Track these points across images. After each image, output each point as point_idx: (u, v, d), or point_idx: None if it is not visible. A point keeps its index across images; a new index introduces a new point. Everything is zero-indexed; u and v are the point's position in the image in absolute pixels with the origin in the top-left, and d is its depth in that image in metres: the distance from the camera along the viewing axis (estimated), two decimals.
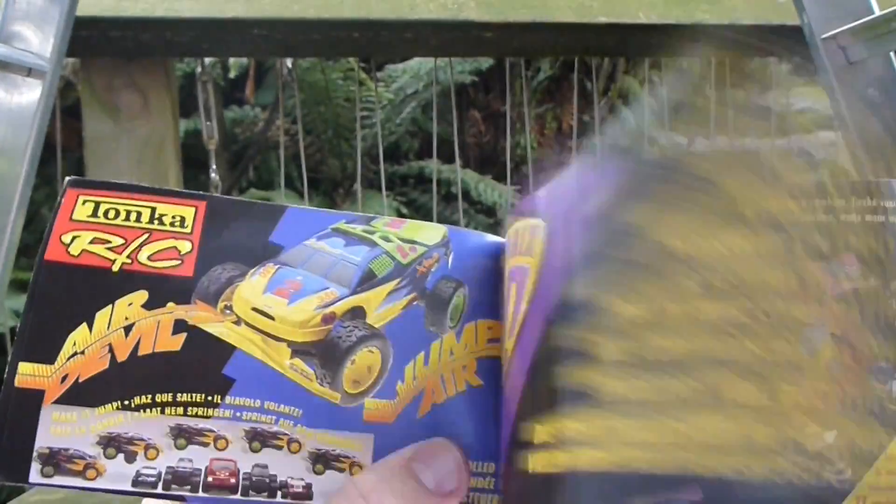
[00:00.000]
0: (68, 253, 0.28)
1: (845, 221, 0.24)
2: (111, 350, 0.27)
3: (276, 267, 0.29)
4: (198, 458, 0.26)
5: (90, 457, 0.25)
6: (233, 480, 0.26)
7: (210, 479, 0.26)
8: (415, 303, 0.29)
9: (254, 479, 0.26)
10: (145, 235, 0.28)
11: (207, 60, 1.30)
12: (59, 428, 0.26)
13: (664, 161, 0.24)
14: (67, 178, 0.29)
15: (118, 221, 0.28)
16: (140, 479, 0.26)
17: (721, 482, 0.21)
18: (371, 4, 1.09)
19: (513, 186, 2.62)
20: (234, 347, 0.27)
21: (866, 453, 0.22)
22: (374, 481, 0.24)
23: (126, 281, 0.27)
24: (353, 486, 0.24)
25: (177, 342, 0.27)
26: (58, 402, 0.26)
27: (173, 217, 0.28)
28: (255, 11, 1.07)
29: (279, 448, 0.26)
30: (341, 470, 0.26)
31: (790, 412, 0.22)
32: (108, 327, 0.27)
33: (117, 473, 0.25)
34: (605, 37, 1.17)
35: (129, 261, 0.28)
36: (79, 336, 0.27)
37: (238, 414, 0.26)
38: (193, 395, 0.26)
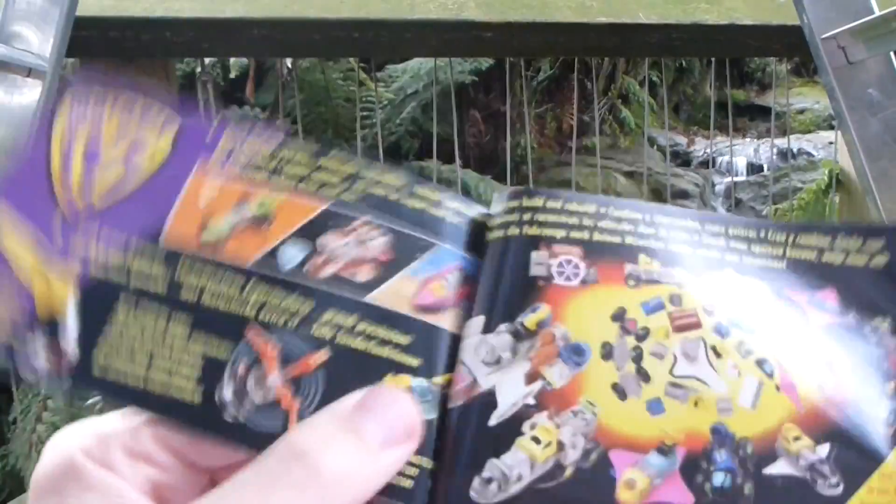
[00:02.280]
0: None
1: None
2: None
3: None
4: None
5: None
6: None
7: None
8: None
9: None
10: None
11: (207, 60, 1.30)
12: None
13: None
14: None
15: None
16: None
17: None
18: (371, 4, 1.09)
19: (513, 186, 2.61)
20: None
21: (859, 470, 0.22)
22: (311, 438, 0.22)
23: None
24: (286, 443, 0.22)
25: None
26: None
27: None
28: (255, 11, 1.07)
29: None
30: None
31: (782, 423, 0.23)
32: None
33: None
34: (605, 37, 1.17)
35: None
36: None
37: None
38: None
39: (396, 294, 0.25)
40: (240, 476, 0.21)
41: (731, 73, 1.49)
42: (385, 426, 0.22)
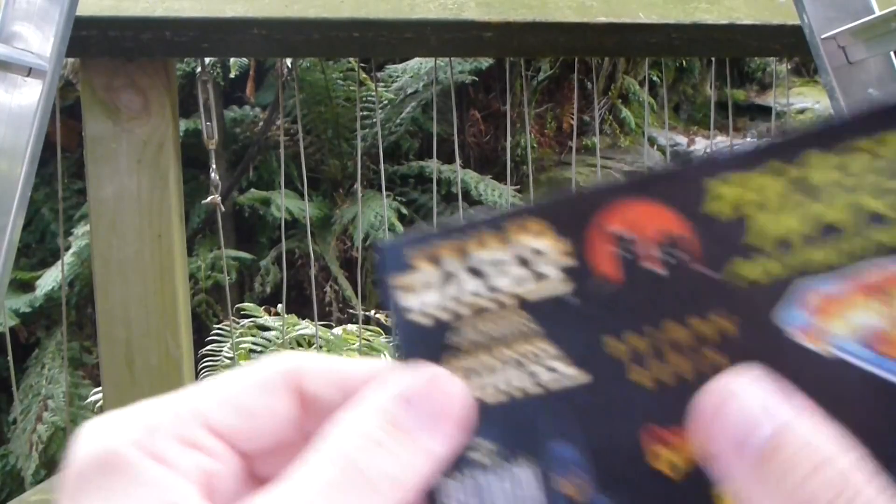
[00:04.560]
0: None
1: None
2: None
3: None
4: None
5: None
6: None
7: None
8: None
9: None
10: None
11: (207, 60, 1.30)
12: None
13: None
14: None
15: None
16: None
17: None
18: (371, 4, 1.09)
19: (513, 186, 2.61)
20: None
21: None
22: (355, 440, 0.22)
23: None
24: (332, 445, 0.22)
25: None
26: None
27: None
28: (255, 11, 1.07)
29: None
30: None
31: None
32: None
33: None
34: (605, 37, 1.17)
35: None
36: None
37: None
38: None
39: None
40: (290, 480, 0.21)
41: (731, 73, 1.49)
42: (429, 418, 0.23)
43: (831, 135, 0.22)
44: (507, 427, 0.24)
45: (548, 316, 0.24)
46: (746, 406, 0.20)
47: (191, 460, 0.21)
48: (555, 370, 0.23)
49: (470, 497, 0.23)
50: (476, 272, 0.24)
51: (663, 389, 0.23)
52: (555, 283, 0.24)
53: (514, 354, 0.24)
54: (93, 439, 0.21)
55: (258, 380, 0.24)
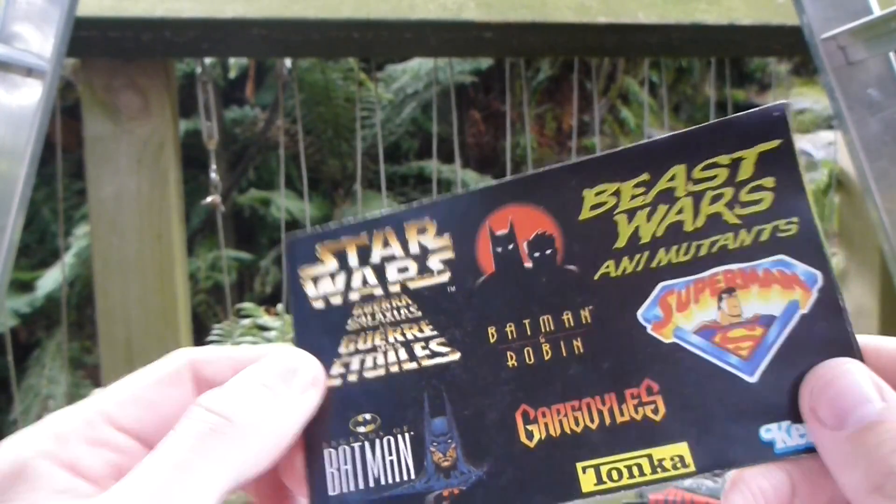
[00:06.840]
0: None
1: None
2: None
3: None
4: None
5: None
6: None
7: None
8: None
9: None
10: None
11: (207, 60, 1.30)
12: None
13: None
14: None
15: None
16: None
17: None
18: (371, 4, 1.09)
19: None
20: None
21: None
22: (223, 396, 0.26)
23: None
24: (200, 407, 0.25)
25: None
26: None
27: None
28: (255, 11, 1.07)
29: None
30: None
31: None
32: None
33: None
34: (605, 37, 1.17)
35: None
36: None
37: None
38: None
39: None
40: (169, 439, 0.23)
41: (730, 73, 1.49)
42: (286, 374, 0.26)
43: (695, 150, 0.27)
44: (387, 400, 0.27)
45: (428, 302, 0.28)
46: (857, 384, 0.23)
47: (99, 458, 0.24)
48: (430, 349, 0.28)
49: (348, 464, 0.27)
50: (373, 265, 0.29)
51: (526, 369, 0.27)
52: (437, 275, 0.28)
53: (397, 336, 0.28)
54: (6, 453, 0.23)
55: (158, 376, 0.26)
